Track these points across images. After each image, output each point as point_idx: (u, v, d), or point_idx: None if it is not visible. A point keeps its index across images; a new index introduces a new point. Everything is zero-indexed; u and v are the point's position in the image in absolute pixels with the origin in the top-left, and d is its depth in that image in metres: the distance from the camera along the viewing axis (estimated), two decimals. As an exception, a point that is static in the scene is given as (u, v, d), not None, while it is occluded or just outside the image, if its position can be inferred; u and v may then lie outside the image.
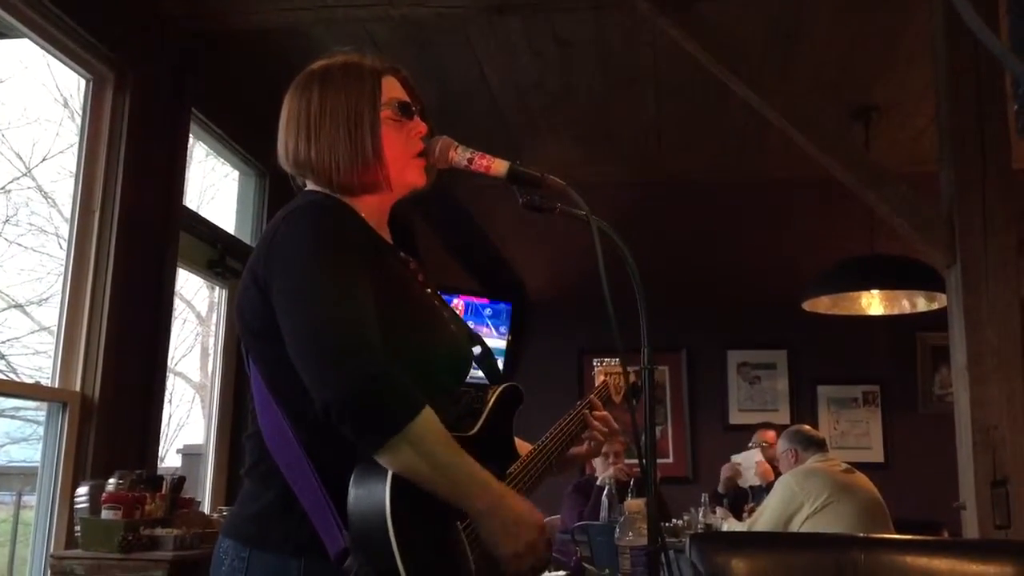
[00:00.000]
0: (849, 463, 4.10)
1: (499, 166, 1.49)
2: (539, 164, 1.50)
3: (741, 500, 4.93)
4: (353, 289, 1.30)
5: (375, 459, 1.23)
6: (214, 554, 1.38)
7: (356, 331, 1.25)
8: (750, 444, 5.14)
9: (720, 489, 5.09)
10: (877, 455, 6.34)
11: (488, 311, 6.17)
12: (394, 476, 1.23)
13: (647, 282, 1.43)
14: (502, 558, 1.31)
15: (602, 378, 1.84)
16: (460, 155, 1.50)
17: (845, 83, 4.42)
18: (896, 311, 5.20)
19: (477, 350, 1.61)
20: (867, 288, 4.97)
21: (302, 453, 1.30)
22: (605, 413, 1.75)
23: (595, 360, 1.90)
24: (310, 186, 1.49)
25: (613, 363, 1.84)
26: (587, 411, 1.73)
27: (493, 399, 1.53)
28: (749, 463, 4.92)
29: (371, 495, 1.23)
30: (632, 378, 1.52)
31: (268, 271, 1.34)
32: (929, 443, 5.87)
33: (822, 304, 5.10)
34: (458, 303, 5.91)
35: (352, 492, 1.24)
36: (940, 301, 4.43)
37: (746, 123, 4.68)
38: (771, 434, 5.07)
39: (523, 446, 1.60)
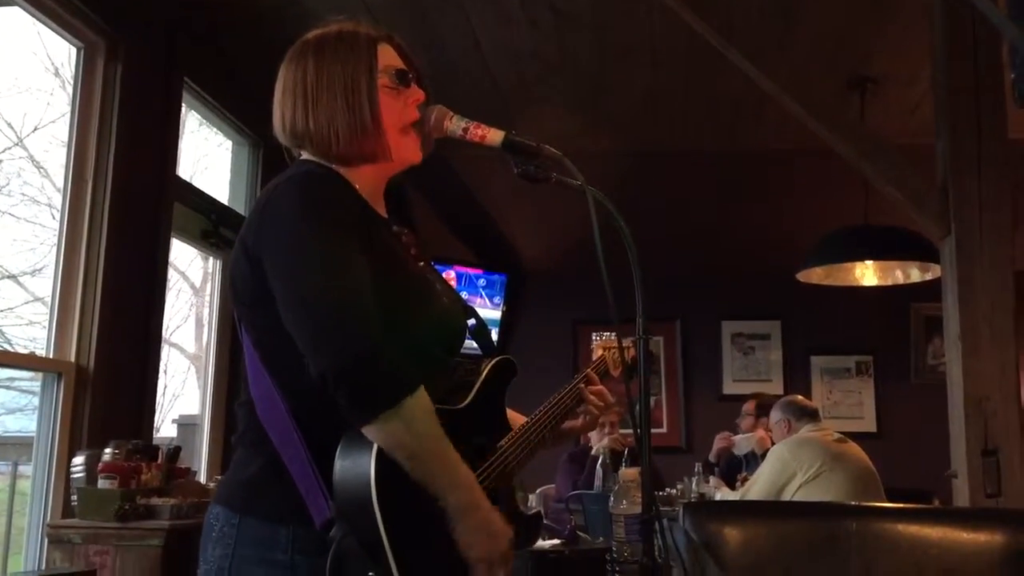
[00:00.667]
0: (842, 432, 4.13)
1: (494, 136, 1.48)
2: (534, 134, 1.49)
3: (735, 469, 4.97)
4: (348, 258, 1.30)
5: (363, 432, 1.24)
6: (205, 520, 1.39)
7: (354, 300, 1.25)
8: (738, 419, 5.16)
9: (711, 457, 5.12)
10: (870, 425, 6.39)
11: (482, 282, 6.18)
12: (379, 449, 1.23)
13: (642, 252, 1.43)
14: (473, 560, 1.30)
15: (600, 352, 1.84)
16: (455, 124, 1.49)
17: (841, 54, 4.40)
18: (890, 282, 5.21)
19: (471, 322, 1.61)
20: (861, 258, 4.98)
21: (291, 422, 1.31)
22: (601, 387, 1.75)
23: (594, 334, 1.90)
24: (305, 156, 1.49)
25: (612, 337, 1.84)
26: (583, 385, 1.73)
27: (485, 372, 1.53)
28: (744, 437, 4.96)
29: (356, 466, 1.23)
30: (631, 352, 1.53)
31: (259, 241, 1.34)
32: (921, 413, 5.92)
33: (816, 275, 5.10)
34: (450, 274, 5.91)
35: (338, 463, 1.25)
36: (934, 271, 4.44)
37: (742, 94, 4.66)
38: (752, 403, 5.10)
39: (517, 418, 1.60)
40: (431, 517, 1.28)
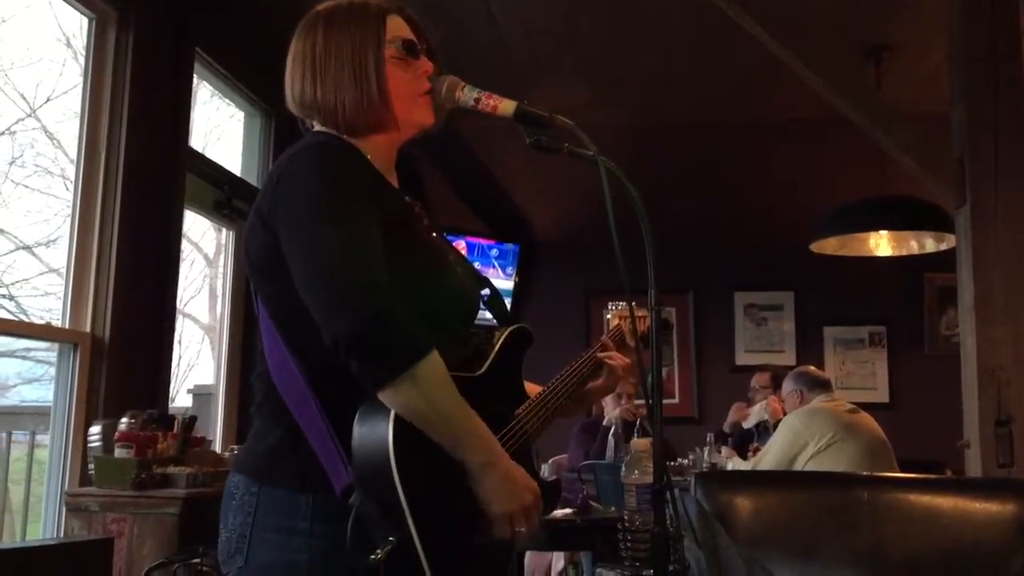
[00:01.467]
0: (854, 403, 4.13)
1: (506, 106, 1.47)
2: (545, 105, 1.48)
3: (746, 440, 4.98)
4: (361, 227, 1.30)
5: (379, 396, 1.25)
6: (226, 488, 1.41)
7: (366, 267, 1.26)
8: (749, 393, 5.15)
9: (726, 428, 5.13)
10: (882, 395, 6.39)
11: (495, 252, 6.18)
12: (397, 414, 1.24)
13: (655, 223, 1.42)
14: (493, 517, 1.31)
15: (616, 321, 1.84)
16: (467, 95, 1.49)
17: (857, 21, 4.34)
18: (904, 252, 5.18)
19: (485, 293, 1.61)
20: (875, 229, 4.95)
21: (308, 390, 1.32)
22: (615, 353, 1.76)
23: (610, 303, 1.91)
24: (317, 128, 1.49)
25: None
26: (600, 352, 1.74)
27: (501, 340, 1.53)
28: (755, 408, 4.96)
29: (374, 432, 1.25)
30: (646, 323, 1.53)
31: (273, 210, 1.35)
32: (935, 384, 5.91)
33: (830, 245, 5.08)
34: (461, 244, 5.91)
35: (356, 430, 1.26)
36: (949, 241, 4.42)
37: (755, 63, 4.62)
38: (766, 376, 5.10)
39: (532, 388, 1.61)
40: (450, 480, 1.30)
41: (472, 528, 1.31)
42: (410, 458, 1.23)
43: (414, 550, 1.21)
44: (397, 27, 1.50)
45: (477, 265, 5.88)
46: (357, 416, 1.27)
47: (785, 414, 4.28)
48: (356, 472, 1.25)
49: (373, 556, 1.20)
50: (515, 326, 1.57)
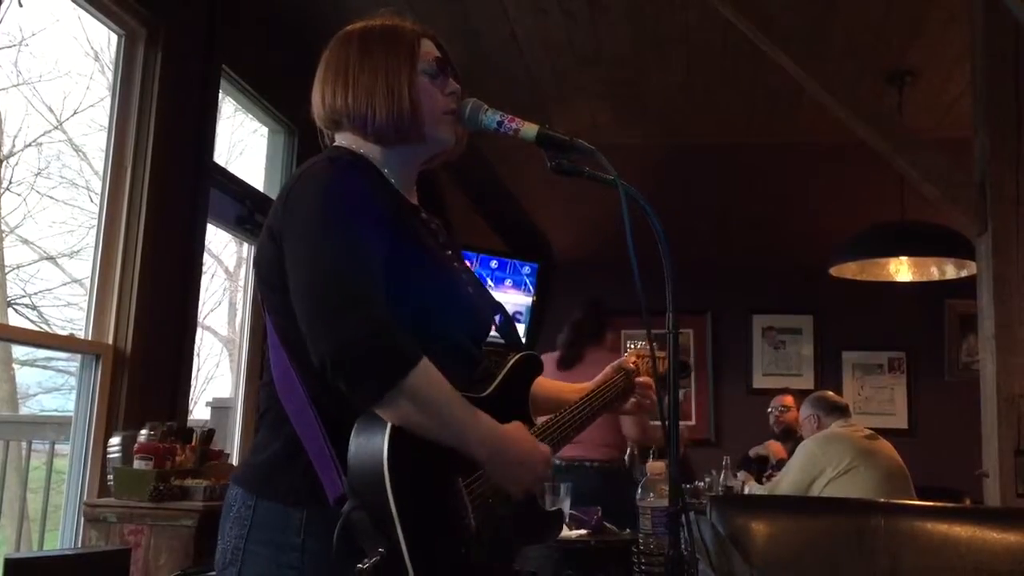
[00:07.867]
0: (872, 429, 4.10)
1: (528, 129, 1.49)
2: (567, 125, 1.50)
3: (762, 465, 4.96)
4: (358, 246, 1.31)
5: (375, 412, 1.26)
6: (225, 499, 1.43)
7: (353, 287, 1.27)
8: (769, 409, 5.14)
9: (751, 454, 5.11)
10: (901, 421, 6.35)
11: (526, 270, 6.19)
12: (393, 428, 1.25)
13: (673, 244, 1.43)
14: (513, 495, 1.39)
15: (633, 359, 1.82)
16: (489, 117, 1.51)
17: (880, 47, 4.35)
18: (924, 278, 5.16)
19: (498, 317, 1.62)
20: (896, 254, 4.93)
21: (307, 401, 1.34)
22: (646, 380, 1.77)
23: (629, 343, 1.89)
24: (339, 141, 1.51)
25: (645, 347, 1.81)
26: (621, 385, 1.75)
27: (510, 364, 1.54)
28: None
29: (370, 444, 1.25)
30: (664, 366, 1.54)
31: (281, 225, 1.37)
32: (954, 411, 5.86)
33: (850, 270, 5.07)
34: (474, 263, 5.92)
35: (352, 442, 1.27)
36: (970, 268, 4.39)
37: (777, 86, 4.63)
38: (788, 398, 5.08)
39: (564, 390, 1.64)
40: (443, 495, 1.30)
41: (463, 545, 1.31)
42: (404, 470, 1.24)
43: (402, 562, 1.21)
44: (428, 48, 1.53)
45: (507, 283, 5.91)
46: (355, 427, 1.27)
47: (801, 439, 4.26)
48: (350, 483, 1.26)
49: (361, 565, 1.20)
50: (525, 352, 1.58)
